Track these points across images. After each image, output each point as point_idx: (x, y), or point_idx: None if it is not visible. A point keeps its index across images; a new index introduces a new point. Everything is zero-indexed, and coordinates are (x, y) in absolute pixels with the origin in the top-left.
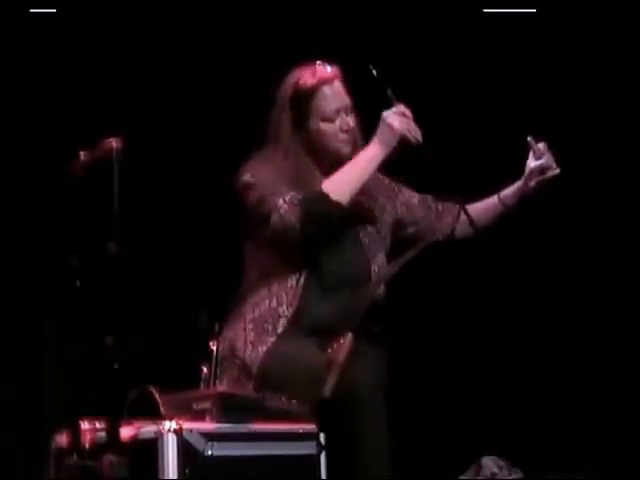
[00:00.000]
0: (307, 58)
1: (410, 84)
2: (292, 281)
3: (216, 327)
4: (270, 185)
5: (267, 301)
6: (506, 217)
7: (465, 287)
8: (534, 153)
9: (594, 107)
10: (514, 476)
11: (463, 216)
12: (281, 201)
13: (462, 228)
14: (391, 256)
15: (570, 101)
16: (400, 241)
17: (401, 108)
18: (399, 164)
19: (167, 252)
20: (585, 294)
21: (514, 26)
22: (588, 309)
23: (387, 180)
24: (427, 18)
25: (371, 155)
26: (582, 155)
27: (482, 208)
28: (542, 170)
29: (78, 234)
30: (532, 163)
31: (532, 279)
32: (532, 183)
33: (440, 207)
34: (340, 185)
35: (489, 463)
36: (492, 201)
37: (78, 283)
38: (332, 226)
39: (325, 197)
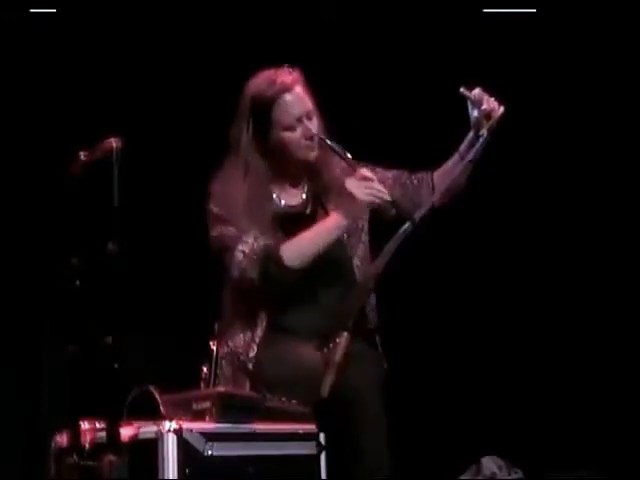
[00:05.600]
0: (308, 60)
1: (410, 83)
2: (265, 313)
3: (216, 327)
4: (232, 223)
5: (241, 335)
6: (476, 167)
7: (465, 286)
8: (472, 102)
9: (594, 107)
10: (514, 476)
11: (437, 183)
12: (241, 255)
13: (440, 196)
14: (375, 242)
15: (571, 100)
16: (385, 223)
17: (361, 173)
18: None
19: (167, 252)
20: (585, 294)
21: (514, 26)
22: (588, 309)
23: (357, 166)
24: (427, 18)
25: (333, 224)
26: (582, 153)
27: (449, 168)
28: (488, 115)
29: (78, 234)
30: (474, 112)
31: (532, 278)
32: (483, 131)
33: (415, 180)
34: (297, 251)
35: (489, 463)
36: (455, 159)
37: (78, 283)
38: (287, 284)
39: (279, 261)
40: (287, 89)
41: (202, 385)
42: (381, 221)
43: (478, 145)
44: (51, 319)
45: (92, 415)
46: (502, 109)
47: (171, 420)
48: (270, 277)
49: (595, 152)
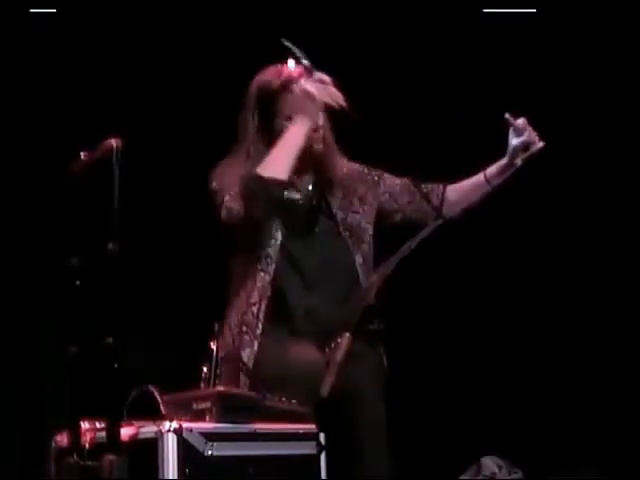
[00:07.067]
0: (311, 60)
1: (410, 83)
2: (263, 280)
3: (216, 327)
4: (228, 188)
5: (244, 304)
6: (492, 194)
7: (465, 286)
8: (514, 130)
9: (594, 107)
10: (514, 476)
11: (449, 196)
12: (227, 196)
13: (448, 208)
14: (382, 244)
15: (570, 101)
16: (390, 228)
17: (319, 75)
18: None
19: (167, 252)
20: (585, 294)
21: (514, 26)
22: (587, 310)
23: (366, 170)
24: (427, 18)
25: (297, 128)
26: (583, 154)
27: (469, 187)
28: (525, 146)
29: (78, 234)
30: (514, 140)
31: (532, 279)
32: (518, 161)
33: (424, 189)
34: (272, 164)
35: (489, 463)
36: (478, 180)
37: (78, 283)
38: (273, 203)
39: (258, 176)
40: (294, 81)
41: (202, 385)
42: (386, 227)
43: (509, 173)
44: (51, 319)
45: (92, 415)
46: (542, 144)
47: (171, 420)
48: (257, 196)
49: (594, 153)
